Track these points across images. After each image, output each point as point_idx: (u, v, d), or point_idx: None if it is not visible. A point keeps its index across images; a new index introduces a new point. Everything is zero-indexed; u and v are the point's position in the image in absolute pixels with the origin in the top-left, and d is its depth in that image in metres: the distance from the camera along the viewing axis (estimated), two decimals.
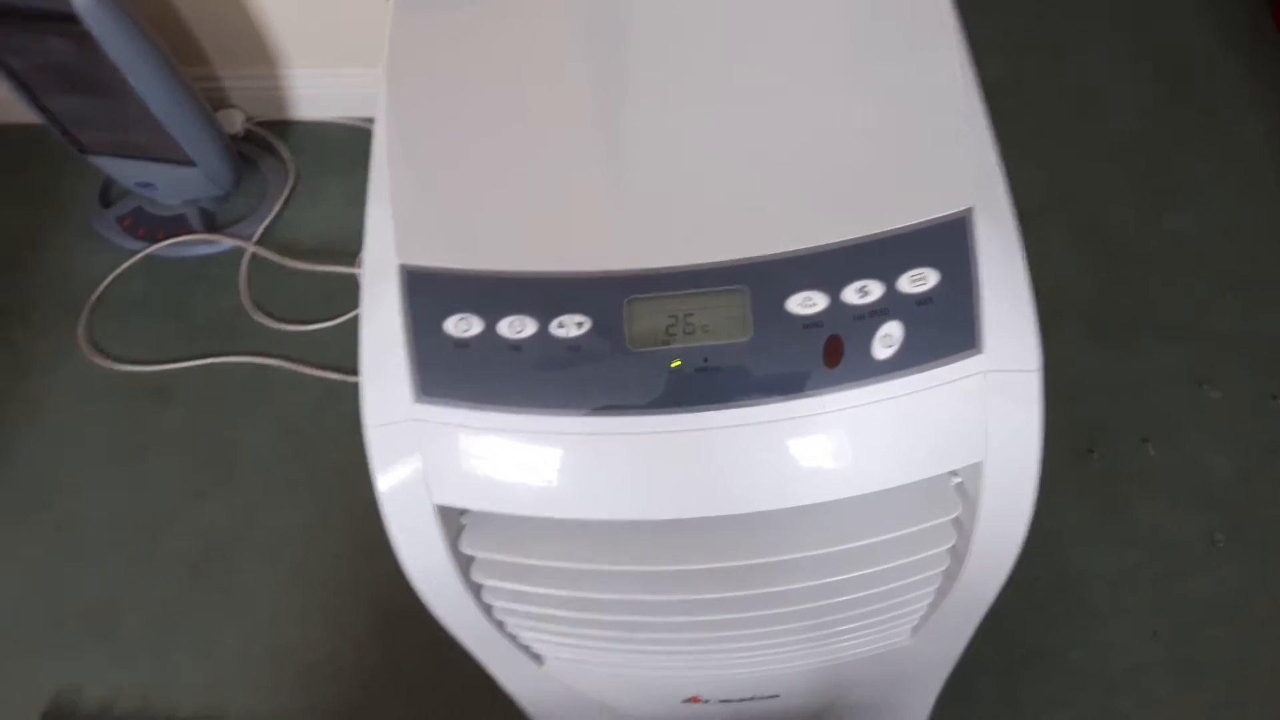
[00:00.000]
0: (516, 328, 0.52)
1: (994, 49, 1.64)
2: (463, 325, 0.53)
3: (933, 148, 0.56)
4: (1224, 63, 1.64)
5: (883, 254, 0.53)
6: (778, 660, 0.68)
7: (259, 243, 1.56)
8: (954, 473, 0.57)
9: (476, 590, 0.60)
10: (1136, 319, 1.40)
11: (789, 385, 0.52)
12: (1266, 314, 1.39)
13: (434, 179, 0.58)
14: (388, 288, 0.54)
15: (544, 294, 0.53)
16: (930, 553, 0.59)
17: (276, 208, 1.59)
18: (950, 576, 0.62)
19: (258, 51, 1.62)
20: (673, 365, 0.53)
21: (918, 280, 0.52)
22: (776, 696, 0.77)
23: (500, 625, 0.64)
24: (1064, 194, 1.52)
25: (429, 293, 0.53)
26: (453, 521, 0.57)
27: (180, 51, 1.58)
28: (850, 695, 0.81)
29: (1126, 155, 1.56)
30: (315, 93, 1.68)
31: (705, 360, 0.53)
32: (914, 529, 0.57)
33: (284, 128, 1.69)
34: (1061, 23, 1.71)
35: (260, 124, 1.68)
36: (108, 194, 1.64)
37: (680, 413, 0.53)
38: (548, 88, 0.61)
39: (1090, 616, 1.19)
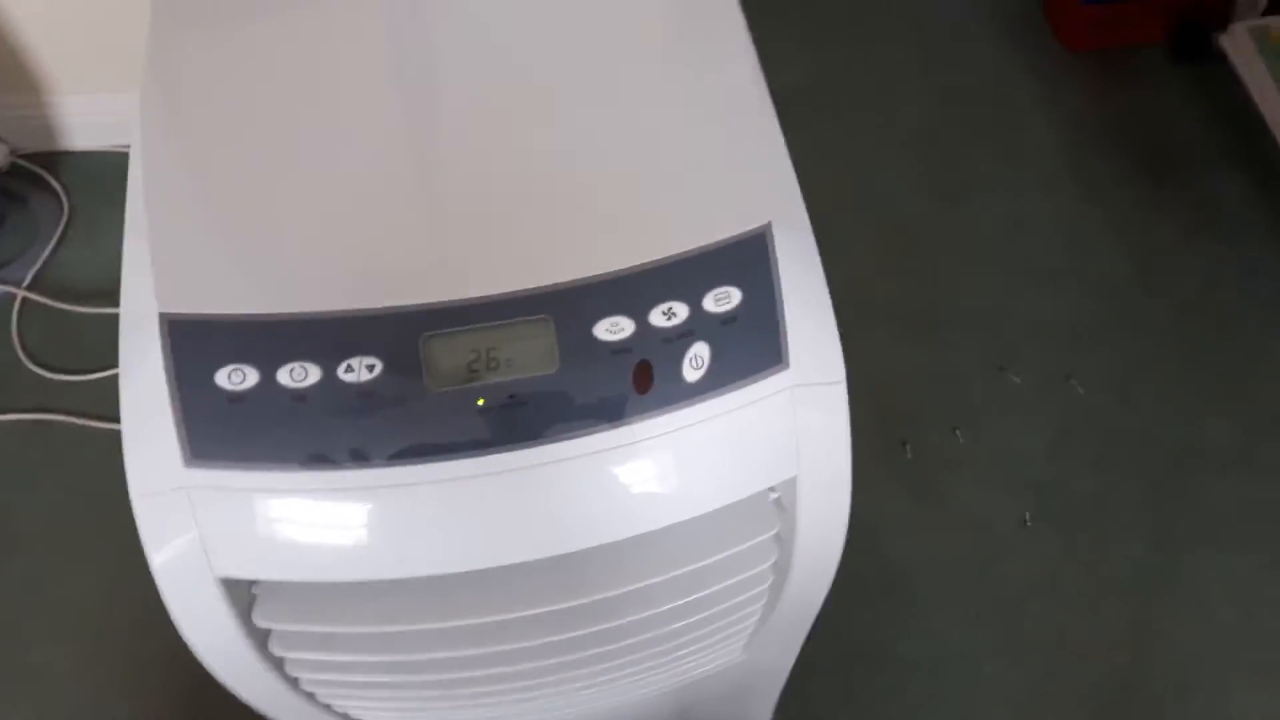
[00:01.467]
0: (298, 376, 0.48)
1: (795, 55, 1.68)
2: (236, 377, 0.48)
3: (730, 165, 0.56)
4: (1006, 64, 1.74)
5: (686, 274, 0.51)
6: (610, 695, 0.65)
7: (30, 287, 1.42)
8: (771, 488, 0.56)
9: (278, 663, 0.54)
10: (939, 311, 1.47)
11: (601, 415, 0.50)
12: (1059, 299, 1.48)
13: (197, 213, 0.52)
14: (148, 339, 0.48)
15: (328, 336, 0.49)
16: (754, 571, 0.58)
17: (50, 247, 1.46)
18: (776, 590, 0.61)
19: (18, 78, 1.48)
20: (478, 404, 0.49)
21: (721, 299, 0.51)
22: None
23: (310, 696, 0.59)
24: (866, 192, 1.57)
25: (196, 343, 0.48)
26: (242, 594, 0.51)
27: None
28: (689, 715, 0.80)
29: (923, 153, 1.63)
30: (87, 120, 1.55)
31: (511, 396, 0.50)
32: (735, 549, 0.56)
33: (54, 159, 1.56)
34: (856, 29, 1.77)
35: (26, 156, 1.54)
36: None
37: (488, 454, 0.50)
38: (326, 109, 0.57)
39: (914, 606, 1.22)
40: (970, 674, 1.18)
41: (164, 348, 0.48)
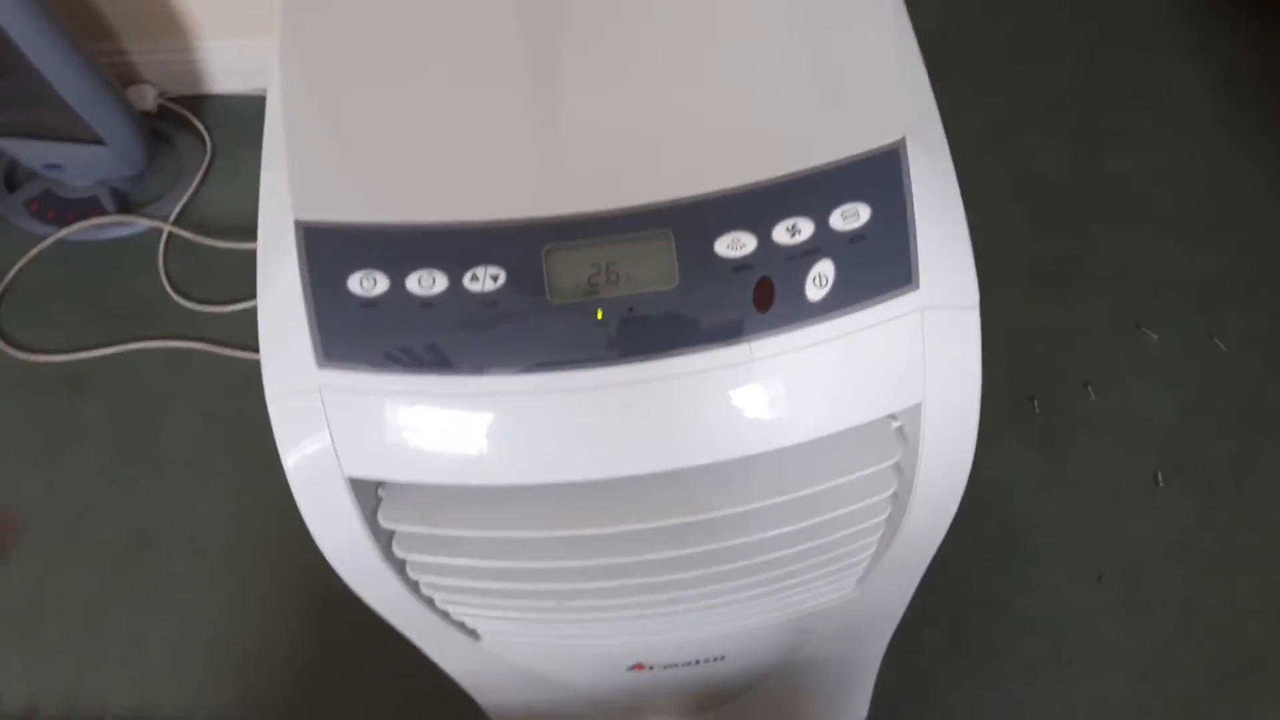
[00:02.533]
0: (426, 283, 0.49)
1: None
2: (368, 283, 0.49)
3: (862, 79, 0.54)
4: (1152, 5, 1.64)
5: (812, 190, 0.50)
6: (722, 620, 0.65)
7: (176, 223, 1.49)
8: (893, 416, 0.54)
9: (400, 566, 0.56)
10: (1074, 265, 1.41)
11: (720, 332, 0.50)
12: (1201, 255, 1.40)
13: (331, 129, 0.53)
14: (284, 247, 0.50)
15: (454, 245, 0.49)
16: (872, 500, 0.57)
17: (193, 186, 1.53)
18: (893, 524, 0.60)
19: (167, 23, 1.55)
20: (598, 317, 0.49)
21: (850, 216, 0.50)
22: (723, 658, 0.75)
23: (430, 602, 0.60)
24: (1001, 142, 1.51)
25: (329, 249, 0.49)
26: (369, 494, 0.53)
27: (85, 25, 1.50)
28: (798, 653, 0.79)
29: (1062, 102, 1.55)
30: (230, 64, 1.61)
31: (631, 310, 0.49)
32: (854, 476, 0.54)
33: (199, 102, 1.63)
34: None
35: (174, 99, 1.62)
36: (13, 177, 1.57)
37: (607, 366, 0.50)
38: (455, 29, 0.57)
39: (1036, 563, 1.19)
40: (1090, 635, 1.15)
41: (299, 253, 0.49)
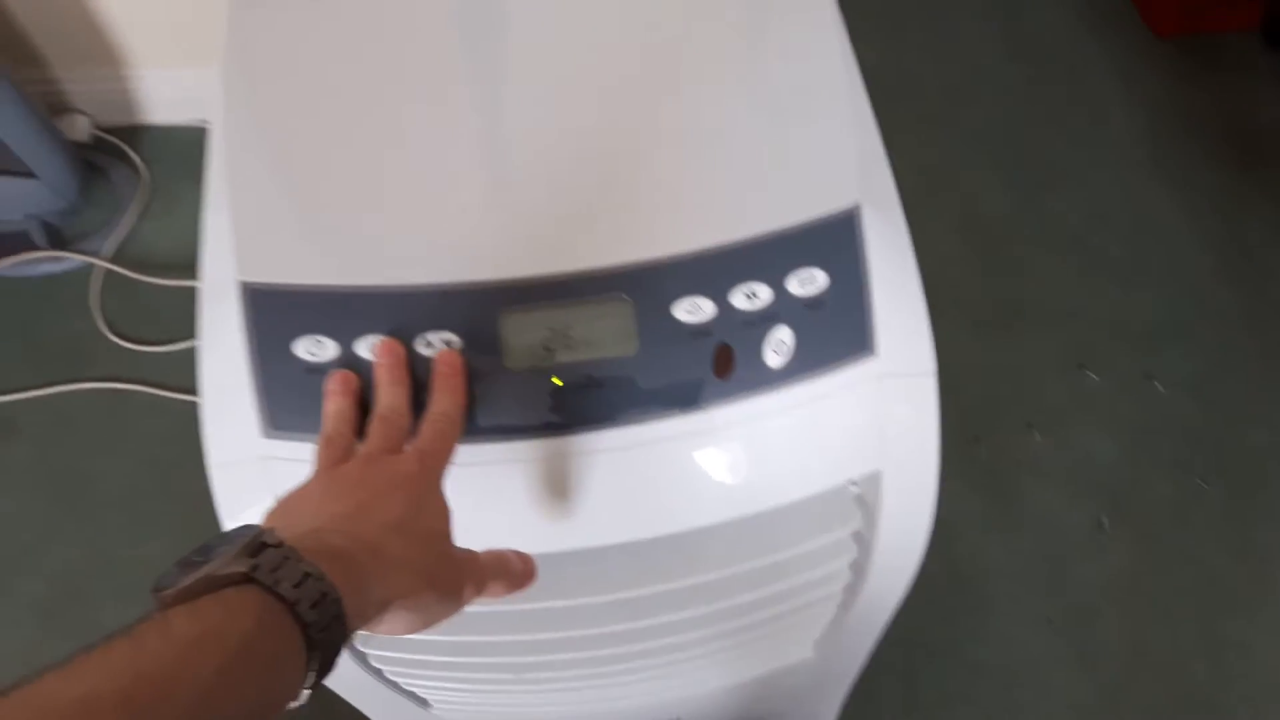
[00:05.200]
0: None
1: (867, 40, 1.64)
2: (315, 348, 0.47)
3: (817, 144, 0.54)
4: (1088, 49, 1.68)
5: (769, 255, 0.50)
6: (679, 685, 0.64)
7: (111, 258, 1.45)
8: (852, 482, 0.54)
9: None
10: (1015, 306, 1.42)
11: (679, 400, 0.49)
12: (1140, 295, 1.43)
13: (278, 184, 0.52)
14: (228, 309, 0.48)
15: (406, 309, 0.48)
16: (830, 568, 0.56)
17: (129, 220, 1.49)
18: (852, 590, 0.60)
19: (101, 52, 1.51)
20: (555, 383, 0.48)
21: (807, 282, 0.49)
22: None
23: (378, 673, 0.58)
24: (939, 184, 1.53)
25: (275, 312, 0.48)
26: None
27: (11, 52, 1.46)
28: (754, 711, 0.78)
29: (1000, 143, 1.58)
30: (167, 94, 1.57)
31: (589, 377, 0.48)
32: (812, 545, 0.54)
33: (135, 133, 1.58)
34: (932, 12, 1.72)
35: (108, 130, 1.57)
36: None
37: (564, 435, 0.49)
38: (409, 84, 0.56)
39: (985, 608, 1.19)
40: (1041, 680, 1.15)
41: (244, 317, 0.48)
